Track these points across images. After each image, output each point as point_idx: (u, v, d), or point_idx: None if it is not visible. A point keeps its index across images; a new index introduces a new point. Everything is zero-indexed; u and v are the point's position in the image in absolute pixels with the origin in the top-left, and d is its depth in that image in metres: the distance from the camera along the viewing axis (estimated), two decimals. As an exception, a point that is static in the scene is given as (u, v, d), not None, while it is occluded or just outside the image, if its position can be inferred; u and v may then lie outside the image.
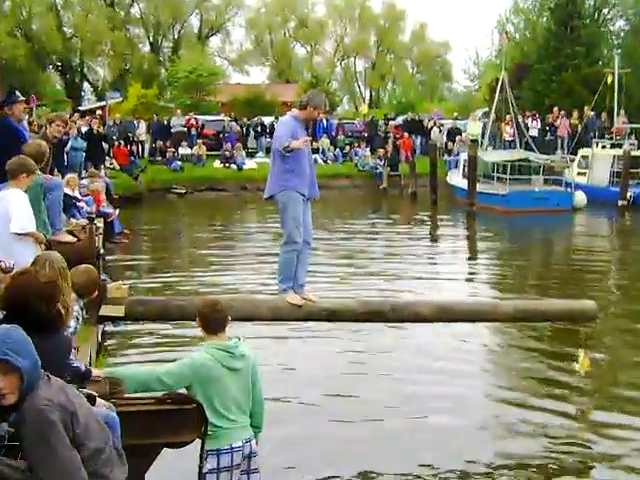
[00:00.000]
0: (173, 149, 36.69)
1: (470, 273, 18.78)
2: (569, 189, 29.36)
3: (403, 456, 8.03)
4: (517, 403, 9.70)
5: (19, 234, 7.49)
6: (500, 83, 33.17)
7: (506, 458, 8.08)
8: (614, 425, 8.92)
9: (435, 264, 19.57)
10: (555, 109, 37.61)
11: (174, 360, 5.82)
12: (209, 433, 5.44)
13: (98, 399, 4.85)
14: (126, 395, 5.57)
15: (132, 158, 34.88)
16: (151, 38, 68.86)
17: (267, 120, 40.75)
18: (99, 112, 38.18)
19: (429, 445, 8.33)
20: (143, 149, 37.34)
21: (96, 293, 6.43)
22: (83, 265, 6.39)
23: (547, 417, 9.19)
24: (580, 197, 29.26)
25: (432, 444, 8.35)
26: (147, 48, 69.02)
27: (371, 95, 77.18)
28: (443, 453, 8.15)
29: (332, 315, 8.71)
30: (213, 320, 5.57)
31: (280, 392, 9.34)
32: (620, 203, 29.46)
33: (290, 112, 8.61)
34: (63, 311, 4.61)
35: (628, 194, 29.68)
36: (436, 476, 7.65)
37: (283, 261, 8.49)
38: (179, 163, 35.78)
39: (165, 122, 38.28)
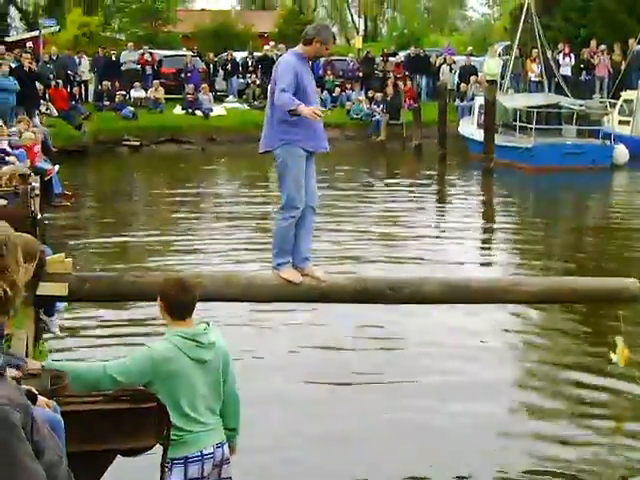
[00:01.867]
0: (124, 92, 36.53)
1: (486, 244, 18.94)
2: (608, 142, 29.43)
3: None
4: (539, 407, 9.88)
5: None
6: (525, 10, 33.10)
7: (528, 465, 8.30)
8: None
9: (444, 234, 19.68)
10: (593, 42, 37.50)
11: (129, 350, 5.88)
12: (174, 438, 5.42)
13: (40, 397, 4.90)
14: (71, 392, 5.60)
15: (73, 102, 34.77)
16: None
17: (239, 56, 40.71)
18: (30, 45, 37.96)
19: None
20: (87, 91, 37.25)
21: (33, 267, 6.46)
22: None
23: (577, 421, 9.40)
24: (622, 152, 29.33)
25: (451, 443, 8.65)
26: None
27: (366, 25, 76.86)
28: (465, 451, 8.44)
29: (324, 296, 8.80)
30: (179, 304, 5.54)
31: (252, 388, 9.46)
32: (671, 158, 29.51)
33: (293, 49, 8.66)
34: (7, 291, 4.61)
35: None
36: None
37: (279, 231, 8.49)
38: (131, 109, 35.63)
39: (113, 58, 38.08)
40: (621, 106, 32.60)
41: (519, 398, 10.12)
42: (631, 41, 36.09)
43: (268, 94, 8.63)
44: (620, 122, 31.82)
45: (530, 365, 11.28)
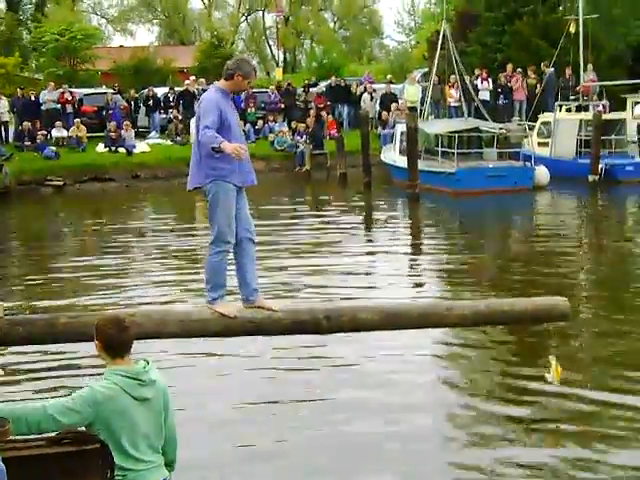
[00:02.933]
0: (45, 131, 36.29)
1: (416, 269, 19.06)
2: (529, 163, 29.91)
3: None
4: (478, 430, 10.00)
5: None
6: (441, 37, 33.55)
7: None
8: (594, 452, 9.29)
9: (373, 260, 19.78)
10: (509, 66, 38.16)
11: (68, 392, 5.83)
12: (117, 478, 5.43)
13: (-20, 443, 4.86)
14: (11, 437, 5.54)
15: (-7, 144, 34.44)
16: (6, -8, 67.81)
17: (160, 91, 40.61)
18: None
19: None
20: (7, 132, 36.93)
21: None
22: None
23: (516, 442, 9.53)
24: (542, 173, 29.82)
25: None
26: (2, 5, 67.89)
27: (285, 57, 77.45)
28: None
29: (258, 328, 8.77)
30: (116, 342, 5.52)
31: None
32: (590, 178, 30.02)
33: (215, 84, 8.65)
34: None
35: (599, 167, 30.20)
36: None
37: (211, 265, 8.43)
38: (53, 149, 35.39)
39: (33, 98, 37.87)
40: (539, 128, 33.18)
41: (450, 419, 10.25)
42: (544, 64, 36.81)
43: (192, 131, 8.66)
44: (539, 144, 32.32)
45: (463, 387, 11.42)
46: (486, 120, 32.41)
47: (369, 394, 10.84)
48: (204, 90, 38.84)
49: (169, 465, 5.84)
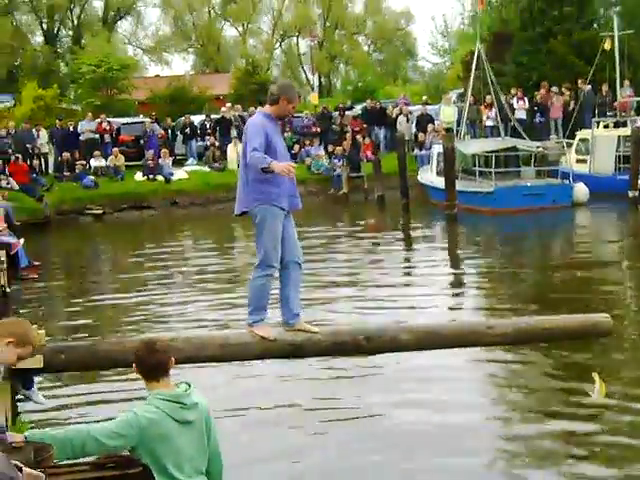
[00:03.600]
0: (84, 161, 36.57)
1: (455, 289, 19.01)
2: (567, 181, 29.78)
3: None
4: (523, 445, 9.94)
5: None
6: (476, 57, 33.54)
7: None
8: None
9: (413, 281, 19.78)
10: (544, 85, 38.10)
11: (110, 417, 5.85)
12: (163, 501, 5.46)
13: (25, 469, 4.89)
14: (55, 462, 5.57)
15: (34, 175, 34.73)
16: (44, 26, 68.48)
17: (197, 119, 40.83)
18: (-14, 121, 38.05)
19: None
20: (46, 163, 37.22)
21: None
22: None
23: (559, 460, 9.46)
24: (581, 190, 29.68)
25: None
26: (40, 38, 68.67)
27: (320, 81, 77.64)
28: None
29: (298, 350, 8.78)
30: (151, 364, 5.58)
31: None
32: (630, 194, 29.68)
33: (260, 109, 8.71)
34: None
35: (639, 182, 29.99)
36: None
37: (255, 288, 8.48)
38: (92, 178, 35.65)
39: (71, 128, 38.18)
40: (577, 145, 33.00)
41: (497, 438, 10.20)
42: (580, 81, 36.62)
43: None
44: (578, 161, 32.17)
45: (505, 407, 11.37)
46: (523, 139, 32.31)
47: (416, 413, 10.82)
48: (240, 117, 39.31)
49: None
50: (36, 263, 16.11)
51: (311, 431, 10.58)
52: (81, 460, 5.59)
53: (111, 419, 5.65)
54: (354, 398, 11.72)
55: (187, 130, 39.79)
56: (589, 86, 36.29)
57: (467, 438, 10.04)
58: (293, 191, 8.46)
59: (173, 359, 5.73)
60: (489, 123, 35.98)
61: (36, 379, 9.49)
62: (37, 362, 8.24)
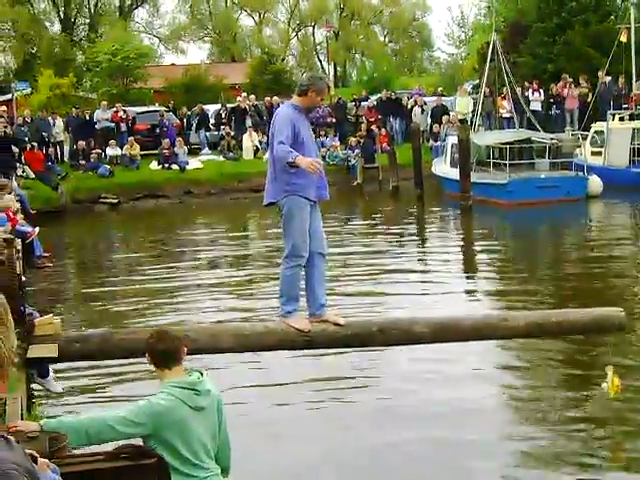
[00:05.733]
0: (99, 150, 36.56)
1: (469, 281, 19.00)
2: (582, 173, 29.71)
3: None
4: (532, 437, 9.94)
5: None
6: (492, 48, 33.48)
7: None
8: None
9: (426, 273, 19.75)
10: (564, 77, 37.89)
11: (125, 404, 5.89)
12: (181, 484, 5.53)
13: (40, 459, 4.89)
14: (69, 452, 5.59)
15: (49, 163, 34.79)
16: (62, 14, 68.60)
17: (212, 108, 40.83)
18: (3, 108, 37.95)
19: None
20: (62, 152, 37.25)
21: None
22: None
23: (573, 453, 9.46)
24: (595, 182, 29.61)
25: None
26: (57, 27, 68.78)
27: (336, 72, 77.59)
28: None
29: (313, 342, 8.79)
30: (163, 353, 5.68)
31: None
32: (645, 187, 29.73)
33: (289, 100, 8.77)
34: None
35: (653, 175, 29.91)
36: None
37: (286, 279, 8.55)
38: (108, 167, 35.66)
39: (87, 117, 38.21)
40: (592, 137, 32.89)
41: (508, 429, 10.20)
42: (600, 73, 36.41)
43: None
44: (592, 153, 32.10)
45: (518, 396, 11.36)
46: (538, 131, 32.23)
47: (427, 406, 10.84)
48: (255, 106, 39.32)
49: (223, 471, 5.93)
50: (46, 254, 16.17)
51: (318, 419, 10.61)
52: (95, 450, 5.62)
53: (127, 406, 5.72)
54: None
55: (197, 119, 39.72)
56: (609, 77, 36.11)
57: (477, 430, 10.06)
58: (321, 182, 8.52)
59: (185, 348, 5.83)
60: (504, 115, 35.88)
61: (51, 367, 9.57)
62: (52, 351, 8.29)
